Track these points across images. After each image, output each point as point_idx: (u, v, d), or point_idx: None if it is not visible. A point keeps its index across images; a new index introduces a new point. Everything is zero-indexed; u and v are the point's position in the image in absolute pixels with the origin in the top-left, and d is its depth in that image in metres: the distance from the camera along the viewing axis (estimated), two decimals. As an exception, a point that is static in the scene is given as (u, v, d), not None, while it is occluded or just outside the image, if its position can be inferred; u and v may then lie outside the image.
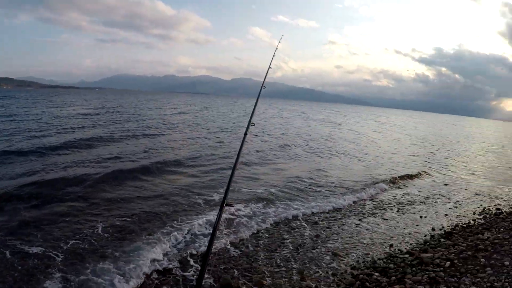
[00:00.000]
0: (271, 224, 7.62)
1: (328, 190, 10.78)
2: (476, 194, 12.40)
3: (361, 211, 9.33)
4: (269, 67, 6.01)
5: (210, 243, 2.69)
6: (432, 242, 7.13)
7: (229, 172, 4.14)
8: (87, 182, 9.15)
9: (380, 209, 9.63)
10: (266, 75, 5.71)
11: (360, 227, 8.05)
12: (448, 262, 5.80)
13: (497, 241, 6.87)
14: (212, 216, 7.30)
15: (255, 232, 7.12)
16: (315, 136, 25.65)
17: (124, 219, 6.99)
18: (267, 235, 7.08)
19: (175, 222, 7.08)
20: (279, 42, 6.99)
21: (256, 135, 21.95)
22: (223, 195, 3.07)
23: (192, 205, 8.25)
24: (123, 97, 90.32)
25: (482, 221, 8.89)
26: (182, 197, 8.75)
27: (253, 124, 4.26)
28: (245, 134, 4.09)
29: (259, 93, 5.37)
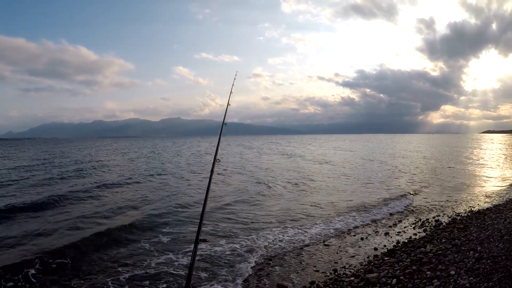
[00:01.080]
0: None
1: (273, 222, 11.97)
2: (413, 209, 13.98)
3: (302, 239, 10.02)
4: (228, 103, 6.63)
5: (189, 278, 3.35)
6: (376, 262, 7.81)
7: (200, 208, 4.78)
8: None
9: (321, 235, 10.43)
10: (225, 113, 6.28)
11: (302, 256, 8.68)
12: (395, 280, 6.35)
13: (440, 252, 7.72)
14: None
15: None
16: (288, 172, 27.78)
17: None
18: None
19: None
20: (234, 79, 7.56)
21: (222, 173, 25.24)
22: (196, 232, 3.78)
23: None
24: (59, 146, 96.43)
25: (423, 234, 9.98)
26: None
27: (218, 161, 4.99)
28: (212, 171, 4.73)
29: (221, 131, 5.99)
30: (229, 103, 6.64)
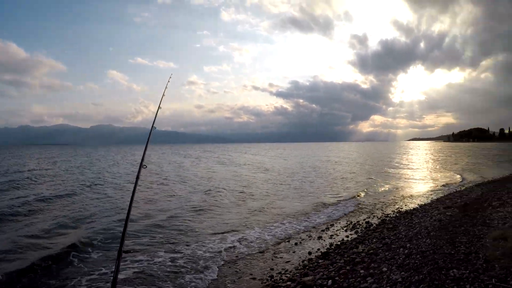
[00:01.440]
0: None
1: (212, 231, 12.13)
2: (344, 213, 14.79)
3: (239, 247, 10.19)
4: (159, 106, 6.58)
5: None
6: (311, 265, 8.16)
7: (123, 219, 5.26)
8: None
9: (257, 242, 10.66)
10: (154, 119, 6.24)
11: (238, 264, 8.83)
12: (330, 281, 6.72)
13: (372, 251, 8.29)
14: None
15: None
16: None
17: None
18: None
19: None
20: (168, 81, 7.41)
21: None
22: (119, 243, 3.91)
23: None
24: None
25: (355, 236, 10.61)
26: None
27: (145, 167, 5.00)
28: (137, 177, 4.73)
29: (149, 138, 5.90)
30: (160, 106, 6.58)
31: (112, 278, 3.46)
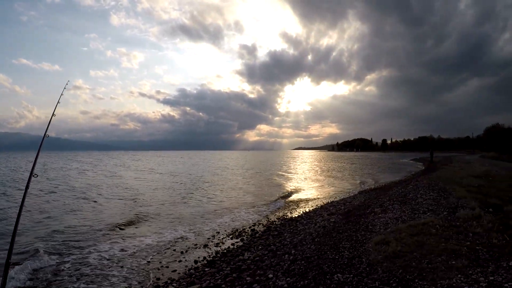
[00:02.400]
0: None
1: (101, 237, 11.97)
2: (229, 221, 14.68)
3: (119, 257, 9.73)
4: (53, 114, 6.24)
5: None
6: (198, 274, 7.92)
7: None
8: None
9: (143, 252, 10.25)
10: (48, 126, 5.88)
11: (121, 274, 8.42)
12: None
13: (257, 258, 8.30)
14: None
15: None
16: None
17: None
18: None
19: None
20: (64, 88, 6.99)
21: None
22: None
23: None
24: None
25: (241, 243, 10.53)
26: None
27: (35, 176, 4.76)
28: (27, 187, 4.54)
29: (40, 145, 5.61)
30: (55, 114, 6.21)
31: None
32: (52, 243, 10.94)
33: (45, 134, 5.65)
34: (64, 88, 6.97)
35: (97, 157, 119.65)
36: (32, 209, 16.66)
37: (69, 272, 8.50)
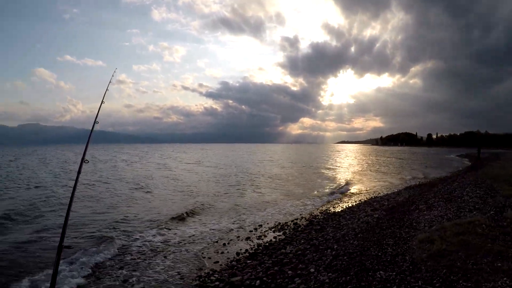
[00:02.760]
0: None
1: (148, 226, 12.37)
2: (273, 213, 14.79)
3: (163, 247, 10.03)
4: (102, 101, 6.36)
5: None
6: (240, 265, 8.04)
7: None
8: None
9: (187, 243, 10.48)
10: (97, 113, 5.98)
11: (165, 264, 8.64)
12: (258, 281, 6.63)
13: (300, 252, 8.26)
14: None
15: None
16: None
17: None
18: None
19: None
20: (110, 81, 6.99)
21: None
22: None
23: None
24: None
25: (283, 236, 10.56)
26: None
27: (86, 162, 4.95)
28: (79, 171, 4.69)
29: (91, 133, 5.77)
30: (104, 101, 6.40)
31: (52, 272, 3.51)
32: (105, 229, 11.55)
33: (94, 122, 5.74)
34: (112, 75, 7.15)
35: (143, 150, 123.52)
36: (87, 199, 17.48)
37: (114, 259, 8.89)
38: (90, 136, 5.65)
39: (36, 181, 25.37)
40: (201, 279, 7.43)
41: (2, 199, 17.74)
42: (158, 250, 9.73)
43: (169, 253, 9.48)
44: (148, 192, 20.76)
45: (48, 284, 5.69)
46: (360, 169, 40.46)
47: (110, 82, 6.93)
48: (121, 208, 15.38)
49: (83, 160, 4.88)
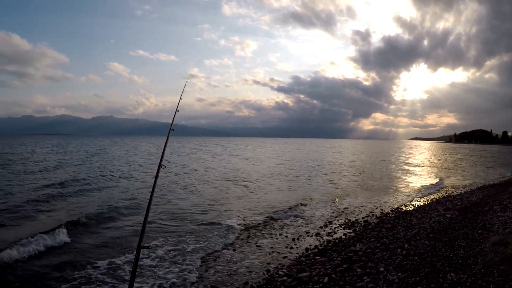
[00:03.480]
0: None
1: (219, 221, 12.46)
2: (343, 210, 14.78)
3: (234, 241, 10.31)
4: (176, 110, 6.50)
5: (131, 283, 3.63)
6: (308, 261, 8.13)
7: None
8: None
9: (253, 237, 10.74)
10: (172, 122, 6.19)
11: (236, 258, 8.89)
12: (326, 278, 6.70)
13: (369, 250, 8.24)
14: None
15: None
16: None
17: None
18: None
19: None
20: (185, 85, 7.37)
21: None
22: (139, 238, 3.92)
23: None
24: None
25: (353, 234, 10.55)
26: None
27: (163, 167, 4.96)
28: (156, 177, 4.78)
29: (168, 137, 5.90)
30: (178, 109, 6.55)
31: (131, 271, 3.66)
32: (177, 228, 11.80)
33: (170, 130, 5.93)
34: (185, 85, 7.35)
35: (219, 143, 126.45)
36: (192, 193, 18.34)
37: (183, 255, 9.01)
38: (166, 144, 5.63)
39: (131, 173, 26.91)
40: (269, 273, 7.59)
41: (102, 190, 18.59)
42: (227, 243, 10.05)
43: (238, 246, 9.76)
44: (245, 185, 21.29)
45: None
46: (431, 166, 39.15)
47: (183, 91, 7.12)
48: (206, 198, 16.08)
49: (160, 166, 4.95)
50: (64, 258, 8.59)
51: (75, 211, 13.22)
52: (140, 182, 21.66)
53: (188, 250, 9.43)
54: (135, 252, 3.79)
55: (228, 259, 8.78)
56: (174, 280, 7.42)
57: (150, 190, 4.43)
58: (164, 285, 7.20)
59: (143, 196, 16.59)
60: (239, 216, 13.21)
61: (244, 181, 23.04)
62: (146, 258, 8.53)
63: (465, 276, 5.62)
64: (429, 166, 39.71)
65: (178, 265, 8.23)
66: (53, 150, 58.17)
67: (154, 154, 53.01)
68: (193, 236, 10.58)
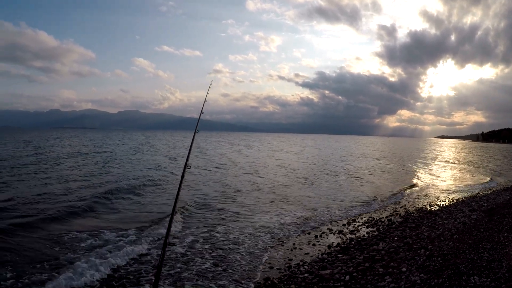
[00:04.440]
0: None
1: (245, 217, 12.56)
2: (367, 208, 14.69)
3: (258, 236, 10.33)
4: (202, 111, 6.63)
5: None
6: (330, 259, 8.10)
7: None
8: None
9: (277, 233, 10.71)
10: (197, 123, 6.29)
11: (258, 253, 8.91)
12: (348, 276, 6.67)
13: (392, 249, 8.15)
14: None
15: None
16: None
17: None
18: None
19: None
20: (209, 87, 7.61)
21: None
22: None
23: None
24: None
25: (376, 233, 10.44)
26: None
27: (189, 167, 5.00)
28: (182, 176, 4.81)
29: (194, 136, 6.00)
30: (203, 111, 6.70)
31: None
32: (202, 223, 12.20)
33: (195, 131, 6.00)
34: (209, 87, 7.53)
35: (249, 138, 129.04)
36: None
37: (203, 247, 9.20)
38: (192, 145, 5.66)
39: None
40: (290, 269, 7.59)
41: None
42: (251, 237, 10.09)
43: (261, 240, 9.80)
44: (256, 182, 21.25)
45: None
46: (461, 166, 38.34)
47: (207, 93, 7.27)
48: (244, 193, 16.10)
49: (185, 167, 4.97)
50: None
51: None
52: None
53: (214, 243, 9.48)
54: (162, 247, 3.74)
55: (250, 253, 8.81)
56: (196, 271, 7.53)
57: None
58: (187, 275, 7.31)
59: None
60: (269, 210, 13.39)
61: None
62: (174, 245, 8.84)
63: (489, 280, 5.50)
64: (458, 165, 38.90)
65: (201, 258, 8.34)
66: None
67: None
68: (223, 228, 10.82)
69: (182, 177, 4.83)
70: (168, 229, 4.00)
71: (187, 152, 5.31)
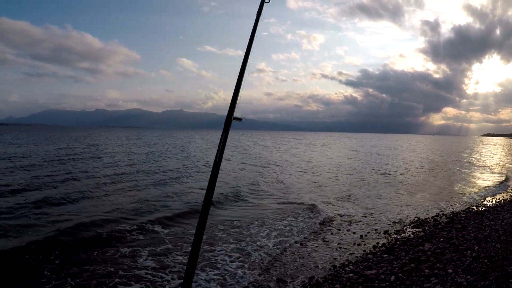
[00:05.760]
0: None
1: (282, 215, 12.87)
2: (413, 207, 14.48)
3: (303, 235, 10.51)
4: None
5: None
6: (375, 259, 8.09)
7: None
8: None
9: (320, 232, 10.85)
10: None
11: (302, 251, 9.06)
12: (393, 277, 6.66)
13: (438, 250, 8.05)
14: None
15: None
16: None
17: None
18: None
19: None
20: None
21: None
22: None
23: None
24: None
25: (422, 233, 10.30)
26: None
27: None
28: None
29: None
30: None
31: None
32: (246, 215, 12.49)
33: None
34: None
35: (296, 137, 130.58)
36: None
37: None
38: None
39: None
40: (335, 269, 7.63)
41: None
42: (295, 233, 10.35)
43: (306, 240, 9.92)
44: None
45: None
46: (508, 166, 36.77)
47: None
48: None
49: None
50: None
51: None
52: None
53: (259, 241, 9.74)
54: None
55: (295, 252, 8.97)
56: (239, 270, 7.77)
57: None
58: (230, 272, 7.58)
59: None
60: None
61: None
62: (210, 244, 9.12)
63: (537, 283, 5.43)
64: (506, 165, 37.23)
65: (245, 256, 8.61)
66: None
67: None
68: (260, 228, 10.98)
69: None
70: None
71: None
